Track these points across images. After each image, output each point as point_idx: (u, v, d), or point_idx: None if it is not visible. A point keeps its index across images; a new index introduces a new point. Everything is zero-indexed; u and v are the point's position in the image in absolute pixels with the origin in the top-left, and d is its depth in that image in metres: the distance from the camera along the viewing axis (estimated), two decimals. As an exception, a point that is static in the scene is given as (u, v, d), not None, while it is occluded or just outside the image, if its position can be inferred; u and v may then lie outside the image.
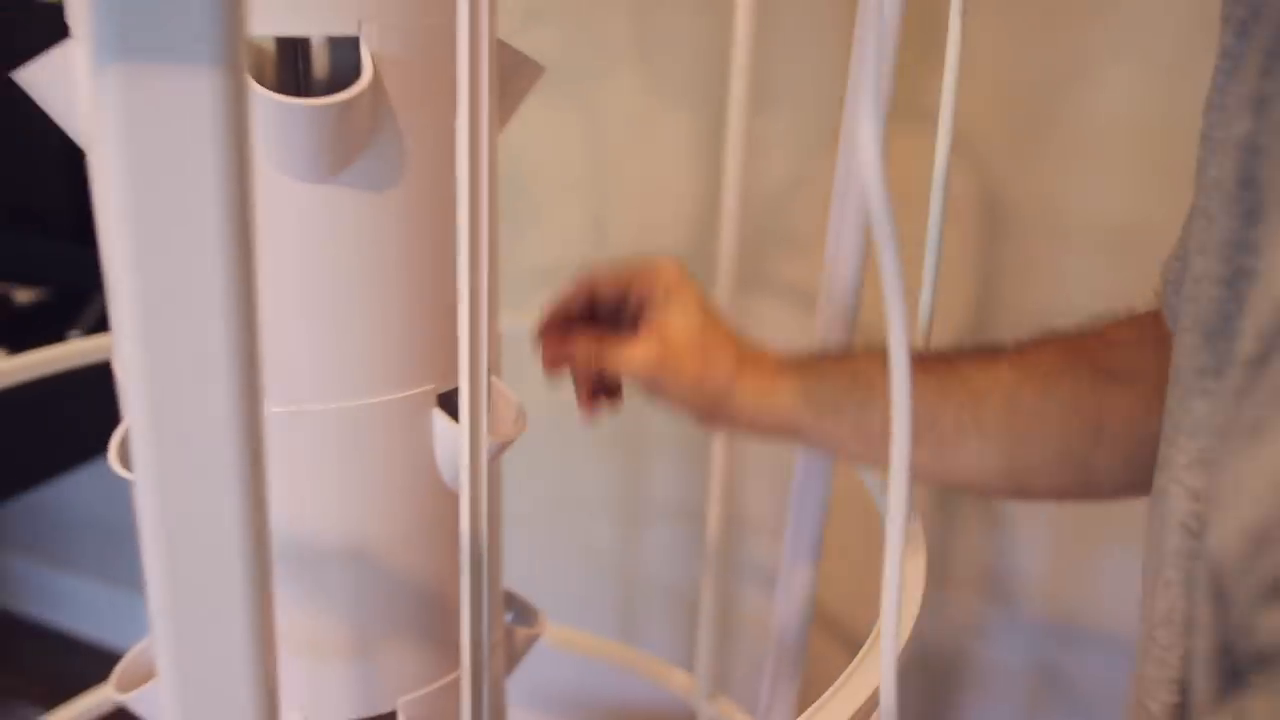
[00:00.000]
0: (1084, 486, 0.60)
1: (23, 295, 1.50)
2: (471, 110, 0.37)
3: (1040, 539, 1.11)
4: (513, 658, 0.72)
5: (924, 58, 0.99)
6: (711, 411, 0.60)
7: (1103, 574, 1.10)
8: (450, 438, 0.56)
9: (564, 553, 1.42)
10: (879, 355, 0.61)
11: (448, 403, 0.60)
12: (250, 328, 0.29)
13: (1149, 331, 0.59)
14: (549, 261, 1.27)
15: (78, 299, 1.46)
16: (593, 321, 0.62)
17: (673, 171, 1.17)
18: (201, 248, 0.28)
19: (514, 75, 0.60)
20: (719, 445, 0.92)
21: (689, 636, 1.21)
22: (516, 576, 0.79)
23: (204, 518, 0.30)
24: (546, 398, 1.35)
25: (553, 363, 0.56)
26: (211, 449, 0.29)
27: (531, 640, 0.73)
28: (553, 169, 1.23)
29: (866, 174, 0.32)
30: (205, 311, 0.28)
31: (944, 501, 1.14)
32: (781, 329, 1.15)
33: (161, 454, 0.29)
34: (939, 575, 1.17)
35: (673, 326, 0.58)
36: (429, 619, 0.60)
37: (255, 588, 0.31)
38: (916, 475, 0.62)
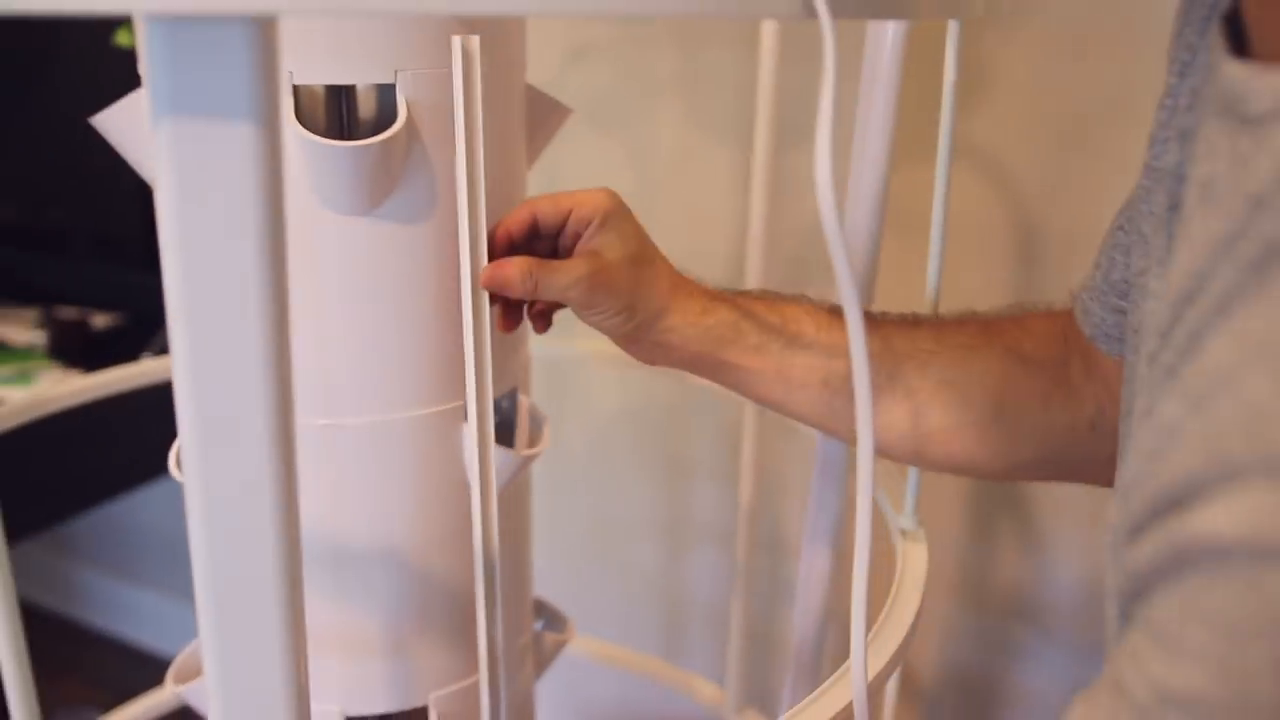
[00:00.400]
0: (976, 460, 0.63)
1: (100, 320, 1.58)
2: (468, 155, 0.41)
3: (1078, 564, 1.12)
4: (541, 662, 0.76)
5: (963, 96, 1.03)
6: (639, 334, 0.62)
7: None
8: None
9: (607, 572, 1.45)
10: (807, 303, 0.63)
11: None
12: (282, 347, 0.34)
13: (1062, 327, 0.62)
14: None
15: (151, 324, 1.54)
16: (531, 247, 0.62)
17: (714, 202, 1.21)
18: (240, 277, 0.32)
19: (543, 117, 0.65)
20: (746, 467, 0.95)
21: (729, 654, 1.23)
22: (560, 593, 0.83)
23: (241, 514, 0.35)
24: (590, 421, 1.39)
25: (490, 281, 0.57)
26: (247, 452, 0.34)
27: (560, 646, 0.77)
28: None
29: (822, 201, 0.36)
30: (242, 333, 0.33)
31: (982, 527, 1.15)
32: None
33: (206, 455, 0.34)
34: (977, 599, 1.18)
35: (607, 249, 0.59)
36: (460, 619, 0.64)
37: (287, 578, 0.35)
38: (818, 422, 0.64)
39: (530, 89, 0.64)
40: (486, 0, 0.31)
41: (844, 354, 0.61)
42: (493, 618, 0.51)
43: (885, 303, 0.75)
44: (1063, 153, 1.02)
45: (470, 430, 0.46)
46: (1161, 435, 0.29)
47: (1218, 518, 0.25)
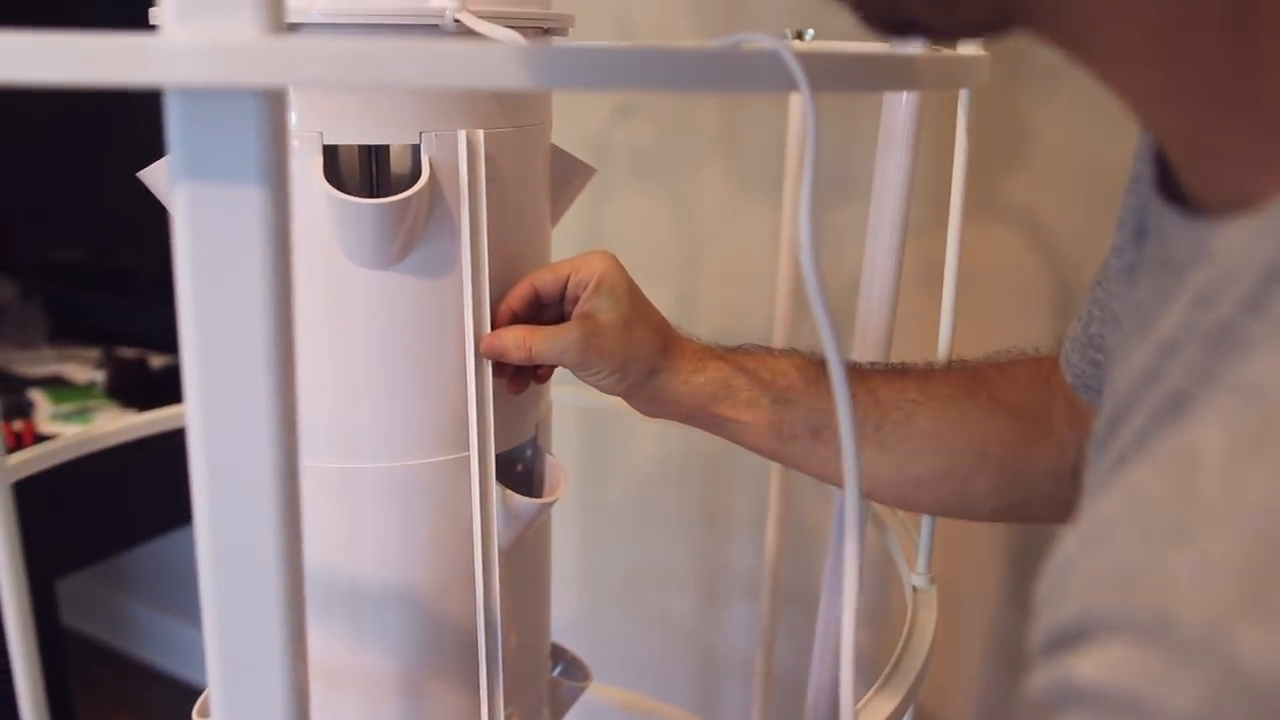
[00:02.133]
0: (962, 504, 0.65)
1: (158, 360, 1.63)
2: (473, 243, 0.43)
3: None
4: (558, 708, 0.77)
5: (1001, 154, 1.04)
6: (634, 391, 0.64)
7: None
8: (495, 498, 0.62)
9: (641, 621, 1.46)
10: (796, 356, 0.66)
11: (509, 471, 0.66)
12: (288, 395, 0.36)
13: (1045, 374, 0.63)
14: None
15: (205, 365, 1.58)
16: (538, 314, 0.66)
17: (754, 257, 1.22)
18: (248, 329, 0.35)
19: (567, 177, 0.67)
20: (773, 520, 0.96)
21: (754, 707, 1.23)
22: (594, 642, 0.84)
23: (246, 549, 0.36)
24: (629, 471, 1.40)
25: (489, 351, 0.61)
26: (253, 494, 0.36)
27: (578, 693, 0.78)
28: (644, 251, 1.30)
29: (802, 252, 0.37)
30: (251, 383, 0.35)
31: (1019, 588, 1.14)
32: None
33: (214, 506, 0.36)
34: (1015, 658, 1.17)
35: (600, 312, 0.62)
36: (471, 661, 0.65)
37: (290, 612, 0.37)
38: (812, 471, 0.66)
39: (554, 149, 0.66)
40: (472, 75, 0.34)
41: (829, 405, 0.62)
42: (494, 664, 0.53)
43: (915, 355, 0.76)
44: (1100, 210, 1.03)
45: (474, 491, 0.48)
46: (1061, 567, 0.30)
47: (1091, 665, 0.26)
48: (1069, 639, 0.27)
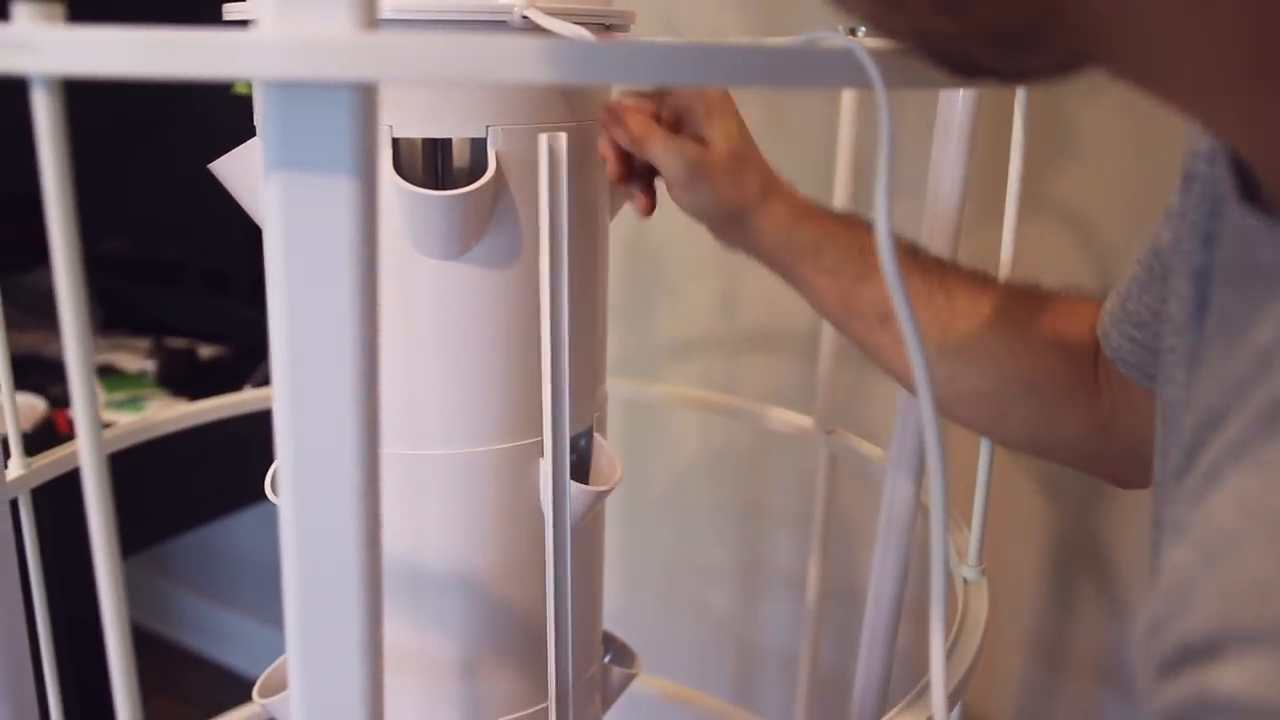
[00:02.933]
0: (994, 427, 0.67)
1: (207, 351, 1.65)
2: (552, 248, 0.44)
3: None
4: (609, 695, 0.78)
5: (1047, 155, 1.04)
6: (729, 225, 0.65)
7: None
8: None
9: (681, 613, 1.47)
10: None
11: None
12: (372, 383, 0.37)
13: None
14: (679, 335, 1.34)
15: (254, 355, 1.61)
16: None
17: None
18: (336, 315, 0.36)
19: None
20: (818, 511, 0.97)
21: (796, 701, 1.24)
22: (633, 632, 0.85)
23: (329, 534, 0.38)
24: (670, 463, 1.41)
25: (607, 118, 0.62)
26: (337, 479, 0.37)
27: (627, 680, 0.79)
28: (686, 248, 1.31)
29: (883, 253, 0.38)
30: (337, 369, 0.36)
31: (1062, 585, 1.14)
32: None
33: (299, 479, 0.37)
34: (1056, 659, 1.17)
35: (714, 138, 0.63)
36: (531, 647, 0.67)
37: (369, 599, 0.39)
38: (866, 350, 0.67)
39: (609, 105, 0.67)
40: (559, 70, 0.35)
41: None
42: (563, 647, 0.54)
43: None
44: (1144, 210, 1.03)
45: (545, 468, 0.49)
46: (1180, 582, 0.30)
47: (1232, 677, 0.26)
48: (1203, 652, 0.27)
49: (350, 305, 0.36)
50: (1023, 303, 0.65)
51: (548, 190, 0.41)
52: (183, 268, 1.79)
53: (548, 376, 0.48)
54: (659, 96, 0.64)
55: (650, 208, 0.67)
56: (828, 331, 0.95)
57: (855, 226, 0.67)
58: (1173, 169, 0.95)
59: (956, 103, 0.65)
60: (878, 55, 0.37)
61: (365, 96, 0.34)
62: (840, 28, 0.83)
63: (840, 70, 0.37)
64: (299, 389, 0.36)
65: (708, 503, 1.40)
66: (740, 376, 1.33)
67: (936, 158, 0.67)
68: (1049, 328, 0.64)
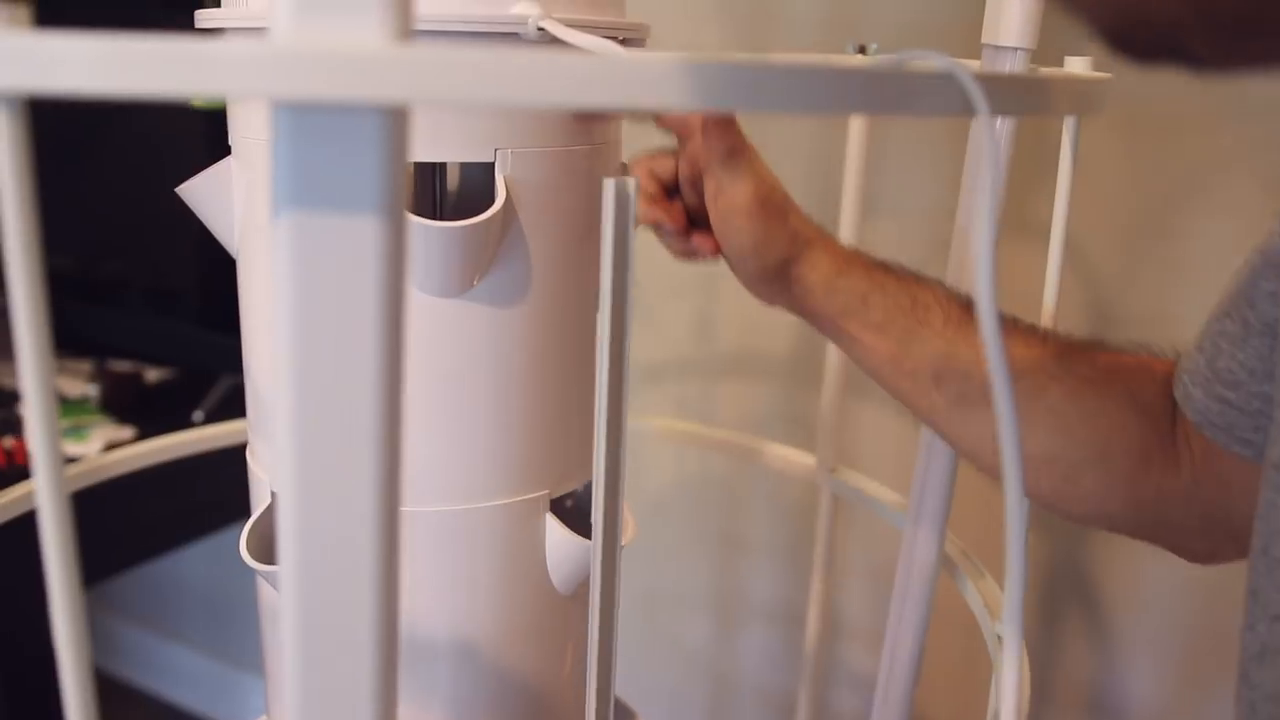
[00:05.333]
0: (1060, 496, 0.60)
1: (153, 375, 1.57)
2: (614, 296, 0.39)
3: (1148, 659, 1.08)
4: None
5: (1033, 176, 1.00)
6: (775, 274, 0.61)
7: (1214, 699, 1.06)
8: (562, 543, 0.58)
9: (655, 646, 1.42)
10: (940, 289, 0.61)
11: (559, 508, 0.62)
12: (395, 461, 0.31)
13: (1172, 382, 0.58)
14: (657, 359, 1.30)
15: (203, 379, 1.52)
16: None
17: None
18: (358, 371, 0.30)
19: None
20: (820, 552, 0.92)
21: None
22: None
23: (341, 612, 0.32)
24: (645, 494, 1.36)
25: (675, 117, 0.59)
26: (353, 552, 0.32)
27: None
28: (664, 270, 1.26)
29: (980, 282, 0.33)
30: (356, 445, 0.31)
31: (1052, 618, 1.11)
32: (883, 433, 1.15)
33: (305, 554, 0.31)
34: (1044, 691, 1.14)
35: (750, 178, 0.58)
36: (535, 714, 0.61)
37: (383, 681, 0.33)
38: (918, 411, 0.62)
39: (623, 165, 0.62)
40: (634, 95, 0.29)
41: (962, 353, 0.59)
42: (605, 694, 0.47)
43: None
44: (1138, 236, 1.00)
45: (596, 535, 0.43)
46: None
47: None
48: None
49: (374, 368, 0.31)
50: (1086, 359, 0.60)
51: (612, 244, 0.35)
52: (126, 286, 1.70)
53: (601, 425, 0.41)
54: (680, 146, 0.60)
55: (719, 248, 0.63)
56: (831, 364, 0.90)
57: (903, 276, 0.62)
58: (1165, 191, 0.92)
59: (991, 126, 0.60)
60: (982, 81, 0.33)
61: (397, 121, 0.29)
62: (850, 46, 0.79)
63: (939, 96, 0.33)
64: (310, 463, 0.31)
65: (682, 533, 1.35)
66: (717, 401, 1.28)
67: (968, 182, 0.63)
68: (1120, 387, 0.59)
